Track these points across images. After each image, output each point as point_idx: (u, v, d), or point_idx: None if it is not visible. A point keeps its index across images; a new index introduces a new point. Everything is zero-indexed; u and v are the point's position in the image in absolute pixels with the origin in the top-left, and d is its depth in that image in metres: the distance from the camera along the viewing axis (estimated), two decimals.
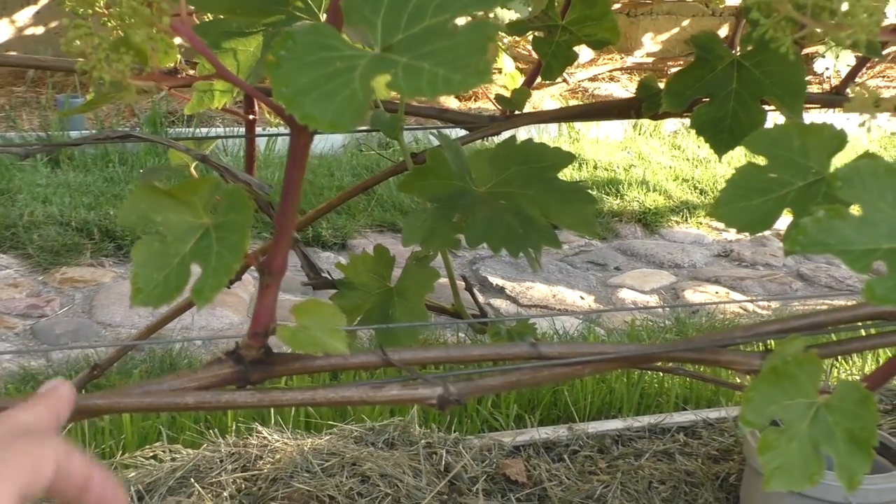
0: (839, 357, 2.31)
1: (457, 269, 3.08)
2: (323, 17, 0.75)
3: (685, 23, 6.06)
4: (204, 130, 4.11)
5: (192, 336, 2.43)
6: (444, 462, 1.74)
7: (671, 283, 3.16)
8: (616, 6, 5.35)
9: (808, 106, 0.95)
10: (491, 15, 1.34)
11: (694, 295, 3.05)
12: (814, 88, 0.97)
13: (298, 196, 0.52)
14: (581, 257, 3.33)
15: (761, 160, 0.64)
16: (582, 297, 2.97)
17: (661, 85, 0.94)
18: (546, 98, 5.04)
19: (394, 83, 0.43)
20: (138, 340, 1.49)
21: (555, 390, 2.10)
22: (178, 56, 0.75)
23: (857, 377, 1.78)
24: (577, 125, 4.61)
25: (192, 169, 1.11)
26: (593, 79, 5.54)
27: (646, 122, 4.79)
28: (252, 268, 0.57)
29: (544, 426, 1.96)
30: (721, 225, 3.57)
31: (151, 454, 1.73)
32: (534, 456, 1.81)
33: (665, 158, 4.48)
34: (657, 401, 2.14)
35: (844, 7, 0.51)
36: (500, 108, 1.05)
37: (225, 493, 1.59)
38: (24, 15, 4.93)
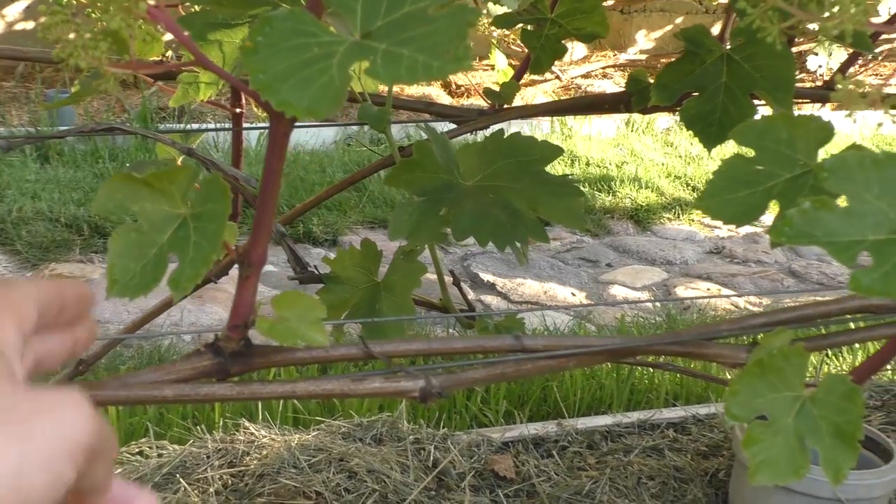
0: (829, 353, 2.31)
1: (448, 265, 3.09)
2: None
3: (679, 20, 6.07)
4: (195, 126, 4.09)
5: (181, 331, 2.42)
6: (432, 458, 1.73)
7: (663, 280, 3.16)
8: (609, 2, 5.35)
9: (799, 102, 0.94)
10: (483, 11, 1.33)
11: (685, 291, 3.05)
12: (807, 86, 0.96)
13: (278, 186, 0.51)
14: (573, 254, 3.33)
15: (749, 152, 0.63)
16: (573, 294, 2.97)
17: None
18: (539, 95, 5.04)
19: (372, 70, 0.42)
20: (125, 335, 1.48)
21: (544, 386, 2.10)
22: (170, 52, 0.74)
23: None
24: (570, 122, 4.61)
25: (179, 163, 1.10)
26: (586, 76, 5.54)
27: (638, 119, 4.79)
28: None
29: (533, 422, 1.95)
30: (713, 222, 3.58)
31: (137, 450, 1.72)
32: (522, 452, 1.81)
33: (658, 155, 4.48)
34: (647, 397, 2.14)
35: None
36: (489, 102, 1.04)
37: (211, 489, 1.58)
38: (14, 10, 4.90)
